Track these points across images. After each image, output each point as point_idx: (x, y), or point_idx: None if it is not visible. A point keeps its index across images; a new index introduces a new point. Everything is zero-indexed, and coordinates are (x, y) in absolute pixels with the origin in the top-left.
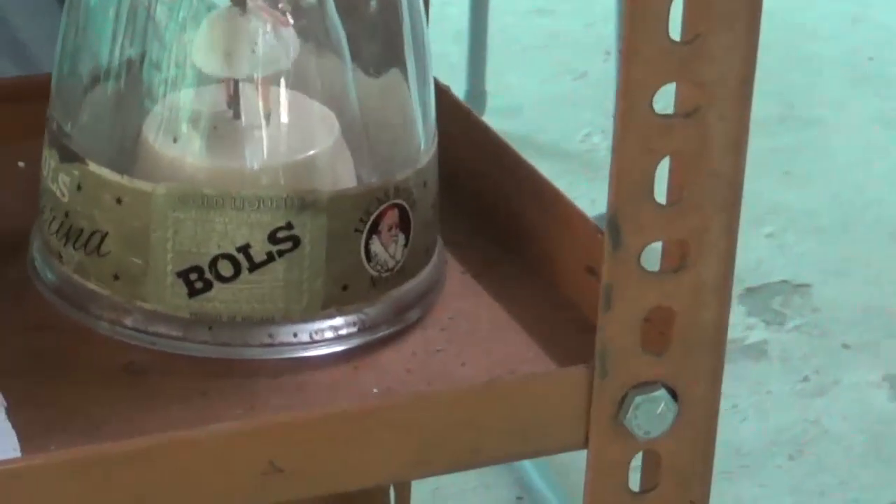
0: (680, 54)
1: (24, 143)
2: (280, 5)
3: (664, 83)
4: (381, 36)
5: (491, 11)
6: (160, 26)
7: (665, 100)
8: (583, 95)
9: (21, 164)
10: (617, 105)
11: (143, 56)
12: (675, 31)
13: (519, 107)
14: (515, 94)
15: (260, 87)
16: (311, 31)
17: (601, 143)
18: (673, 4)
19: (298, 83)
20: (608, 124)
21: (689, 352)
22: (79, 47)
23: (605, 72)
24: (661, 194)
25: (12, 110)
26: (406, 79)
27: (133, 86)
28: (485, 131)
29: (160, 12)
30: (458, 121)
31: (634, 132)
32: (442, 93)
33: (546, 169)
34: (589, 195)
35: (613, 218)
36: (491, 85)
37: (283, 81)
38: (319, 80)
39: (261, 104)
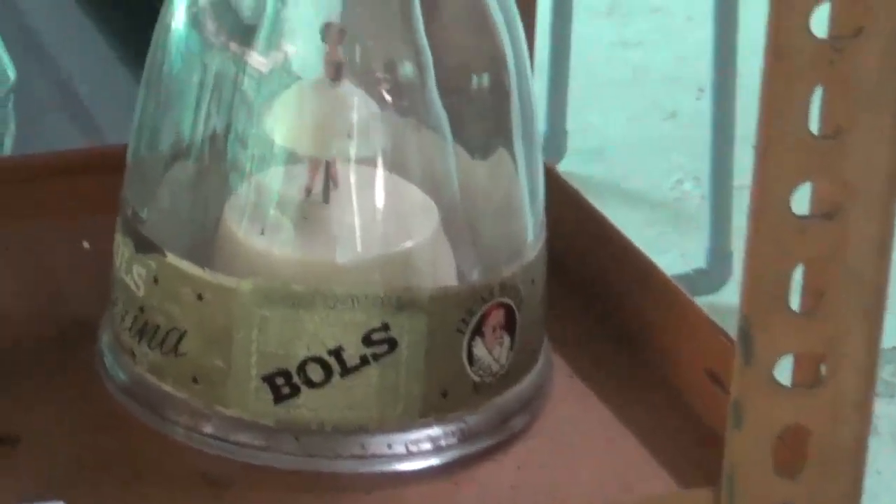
0: (820, 149)
1: (89, 217)
2: (377, 77)
3: (802, 181)
4: (487, 114)
5: (573, 44)
6: (247, 98)
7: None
8: (673, 137)
9: (86, 244)
10: (751, 204)
11: (227, 130)
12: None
13: (602, 149)
14: (599, 135)
15: (353, 169)
16: (409, 107)
17: (693, 191)
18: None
19: (395, 165)
20: (701, 169)
21: (825, 474)
22: (158, 122)
23: (697, 111)
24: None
25: (78, 183)
26: (514, 161)
27: (216, 164)
28: (595, 217)
29: (247, 84)
30: (564, 204)
31: (769, 234)
32: (547, 172)
33: (633, 219)
34: (679, 248)
35: (745, 328)
36: (572, 124)
37: (378, 163)
38: (418, 163)
39: (354, 189)
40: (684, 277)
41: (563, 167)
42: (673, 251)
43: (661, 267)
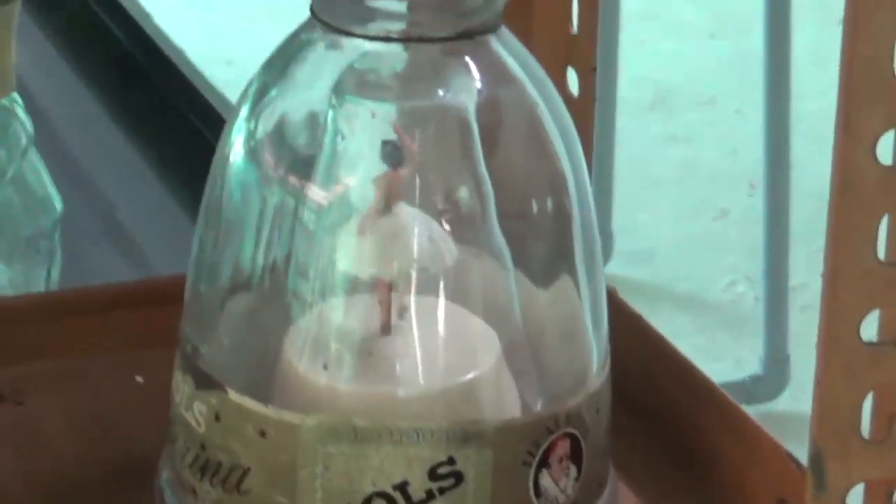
0: (888, 277)
1: (140, 351)
2: (437, 206)
3: (871, 309)
4: (549, 239)
5: (618, 138)
6: (307, 229)
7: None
8: (725, 237)
9: (139, 379)
10: (820, 333)
11: (287, 262)
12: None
13: (651, 250)
14: (647, 236)
15: (414, 299)
16: (470, 237)
17: (747, 293)
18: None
19: (457, 295)
20: (754, 270)
21: None
22: (217, 255)
23: (749, 209)
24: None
25: (128, 316)
26: (577, 287)
27: (276, 297)
28: (658, 341)
29: (307, 216)
30: (625, 326)
31: (839, 363)
32: (608, 294)
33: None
34: (734, 353)
35: (817, 456)
36: (618, 224)
37: (440, 293)
38: (480, 292)
39: (416, 319)
40: (740, 385)
41: (609, 271)
42: (727, 357)
43: (728, 394)
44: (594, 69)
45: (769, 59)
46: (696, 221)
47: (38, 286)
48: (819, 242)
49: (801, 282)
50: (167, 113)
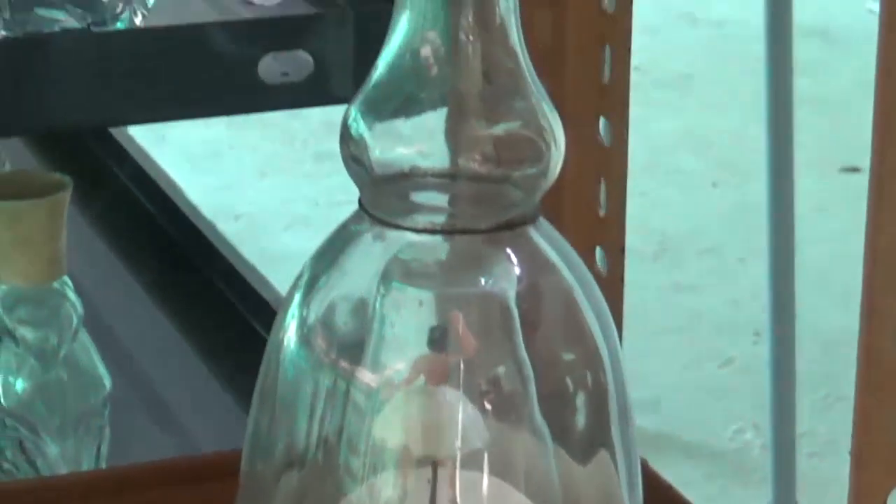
0: None
1: None
2: (480, 388)
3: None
4: (587, 415)
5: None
6: (358, 409)
7: None
8: (731, 384)
9: None
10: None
11: (338, 440)
12: None
13: (657, 399)
14: (653, 384)
15: (460, 475)
16: (511, 416)
17: (754, 441)
18: None
19: (499, 471)
20: (761, 418)
21: None
22: (271, 434)
23: (754, 356)
24: None
25: (177, 494)
26: (613, 460)
27: (328, 473)
28: None
29: (358, 397)
30: (657, 495)
31: None
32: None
33: (692, 472)
34: (744, 502)
35: None
36: (625, 372)
37: (484, 469)
38: (521, 468)
39: (461, 495)
40: None
41: None
42: None
43: None
44: (622, 249)
45: (772, 207)
46: (701, 370)
47: (89, 462)
48: (825, 389)
49: (807, 429)
50: (208, 295)
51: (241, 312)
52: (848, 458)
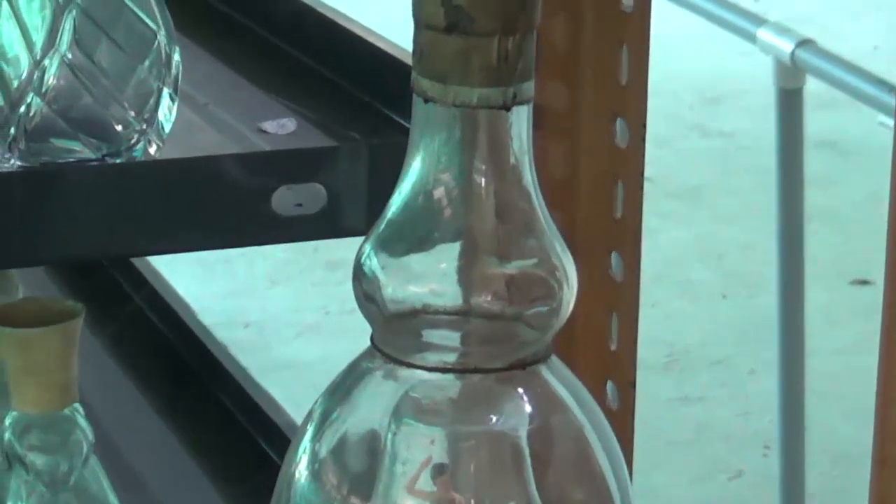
0: None
1: None
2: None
3: None
4: None
5: None
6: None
7: None
8: (740, 498)
9: None
10: None
11: None
12: None
13: None
14: (662, 498)
15: None
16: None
17: None
18: None
19: None
20: None
21: None
22: None
23: (764, 469)
24: None
25: None
26: None
27: None
28: None
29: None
30: None
31: None
32: None
33: None
34: None
35: None
36: (633, 486)
37: None
38: None
39: None
40: None
41: None
42: None
43: None
44: (633, 384)
45: (783, 319)
46: (711, 483)
47: None
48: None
49: None
50: (220, 419)
51: (252, 437)
52: None
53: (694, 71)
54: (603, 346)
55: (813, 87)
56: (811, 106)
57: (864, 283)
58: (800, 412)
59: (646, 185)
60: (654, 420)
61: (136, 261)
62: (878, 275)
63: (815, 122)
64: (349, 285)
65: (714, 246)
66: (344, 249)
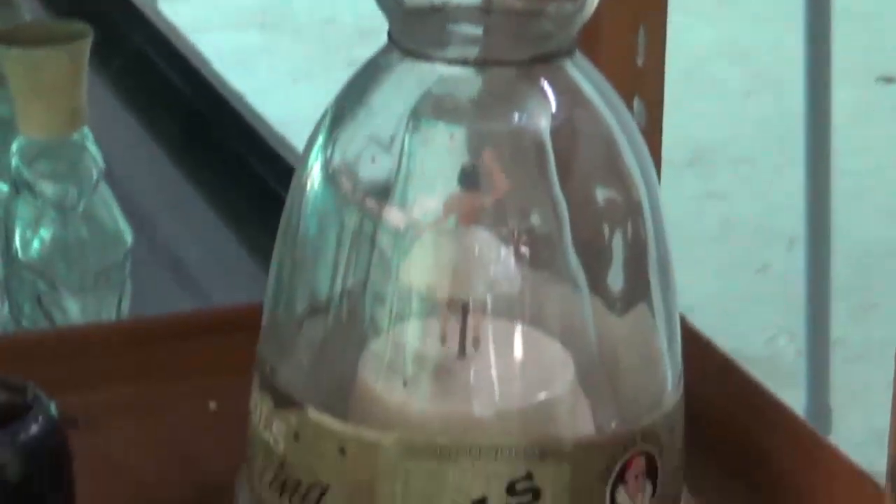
0: None
1: (214, 378)
2: (513, 229)
3: None
4: (625, 264)
5: None
6: (384, 253)
7: None
8: (765, 292)
9: (212, 404)
10: None
11: (364, 285)
12: None
13: (690, 307)
14: (686, 292)
15: (491, 322)
16: (545, 259)
17: (788, 347)
18: None
19: (531, 317)
20: (795, 324)
21: None
22: (294, 279)
23: (789, 263)
24: None
25: (196, 344)
26: (652, 313)
27: (353, 319)
28: (726, 364)
29: (384, 239)
30: (696, 351)
31: None
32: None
33: None
34: None
35: None
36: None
37: (515, 314)
38: (555, 315)
39: (492, 340)
40: None
41: None
42: None
43: (799, 415)
44: (661, 102)
45: (809, 117)
46: (736, 277)
47: (109, 316)
48: (859, 297)
49: (842, 335)
50: (226, 153)
51: (258, 171)
52: (881, 363)
53: None
54: (630, 61)
55: None
56: None
57: (891, 80)
58: (825, 207)
59: None
60: (680, 216)
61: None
62: None
63: None
64: None
65: (741, 45)
66: (366, 48)
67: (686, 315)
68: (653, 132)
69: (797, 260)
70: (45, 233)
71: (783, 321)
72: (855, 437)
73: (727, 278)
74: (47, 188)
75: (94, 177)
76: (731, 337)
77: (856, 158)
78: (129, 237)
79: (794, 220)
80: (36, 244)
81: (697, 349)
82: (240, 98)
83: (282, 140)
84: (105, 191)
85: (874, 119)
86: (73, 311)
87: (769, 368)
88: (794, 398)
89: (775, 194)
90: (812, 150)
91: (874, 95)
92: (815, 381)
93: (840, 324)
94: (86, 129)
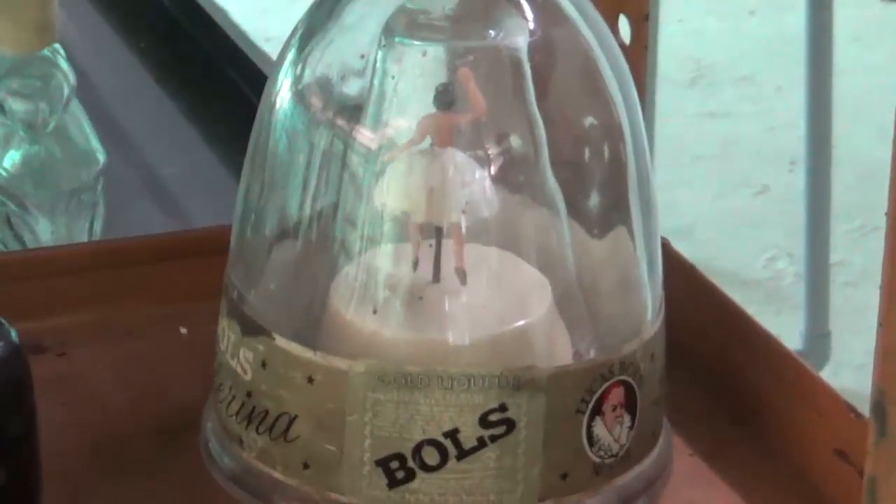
0: None
1: (182, 303)
2: (489, 149)
3: None
4: (604, 188)
5: (656, 115)
6: (355, 175)
7: None
8: (764, 213)
9: (183, 330)
10: (884, 273)
11: (335, 209)
12: None
13: (690, 227)
14: (686, 213)
15: (465, 246)
16: (522, 182)
17: (787, 269)
18: None
19: (508, 242)
20: (795, 246)
21: None
22: (263, 202)
23: (789, 185)
24: None
25: (170, 267)
26: (632, 237)
27: (323, 244)
28: (711, 291)
29: (355, 160)
30: (678, 278)
31: None
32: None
33: None
34: (774, 329)
35: (880, 402)
36: (658, 200)
37: (490, 239)
38: (531, 240)
39: (466, 265)
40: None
41: None
42: None
43: (783, 343)
44: (647, 17)
45: (811, 37)
46: (736, 198)
47: (81, 239)
48: (860, 219)
49: (841, 258)
50: (204, 68)
51: (237, 84)
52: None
53: None
54: None
55: None
56: None
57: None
58: (826, 129)
59: None
60: (680, 135)
61: None
62: None
63: None
64: None
65: None
66: None
67: (685, 236)
68: (638, 51)
69: (798, 181)
70: (15, 152)
71: (783, 243)
72: (854, 359)
73: (727, 199)
74: (17, 105)
75: (66, 94)
76: (730, 258)
77: (857, 79)
78: (101, 156)
79: (795, 140)
80: (6, 163)
81: (681, 276)
82: (224, 14)
83: (266, 57)
84: (77, 108)
85: (876, 39)
86: (44, 233)
87: (768, 290)
88: (793, 321)
89: (776, 114)
90: (813, 70)
91: (877, 15)
92: (814, 304)
93: (840, 246)
94: (57, 45)
